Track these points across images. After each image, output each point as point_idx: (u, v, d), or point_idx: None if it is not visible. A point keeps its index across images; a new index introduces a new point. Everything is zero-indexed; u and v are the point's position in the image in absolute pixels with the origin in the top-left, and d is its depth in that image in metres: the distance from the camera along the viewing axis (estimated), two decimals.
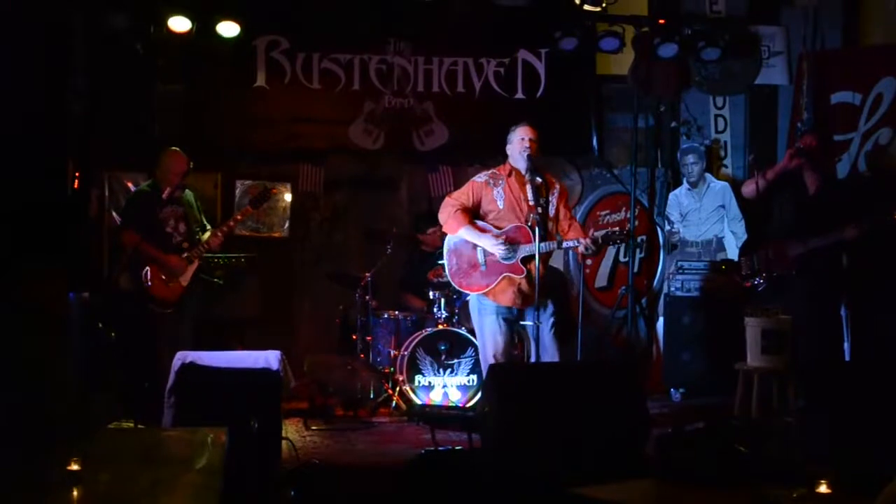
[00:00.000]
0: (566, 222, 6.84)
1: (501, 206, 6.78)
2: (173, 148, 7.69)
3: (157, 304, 7.51)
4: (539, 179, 6.70)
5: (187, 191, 7.83)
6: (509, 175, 6.83)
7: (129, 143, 8.59)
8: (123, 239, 7.78)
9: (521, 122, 6.90)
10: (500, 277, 6.70)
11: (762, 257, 7.53)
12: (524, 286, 6.70)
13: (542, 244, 6.50)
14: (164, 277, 7.50)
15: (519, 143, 6.78)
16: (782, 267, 7.39)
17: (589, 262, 9.48)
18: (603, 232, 6.68)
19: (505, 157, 6.93)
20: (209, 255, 7.74)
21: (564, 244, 6.72)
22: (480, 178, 6.90)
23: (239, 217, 7.79)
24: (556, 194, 6.85)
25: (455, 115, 9.34)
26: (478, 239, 6.73)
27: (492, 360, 6.78)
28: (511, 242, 6.67)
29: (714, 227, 9.21)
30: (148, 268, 7.49)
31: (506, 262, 6.69)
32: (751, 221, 9.03)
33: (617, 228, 6.72)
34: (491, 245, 6.68)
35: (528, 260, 6.66)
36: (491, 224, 6.79)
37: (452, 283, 7.00)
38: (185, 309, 7.60)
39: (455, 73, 9.37)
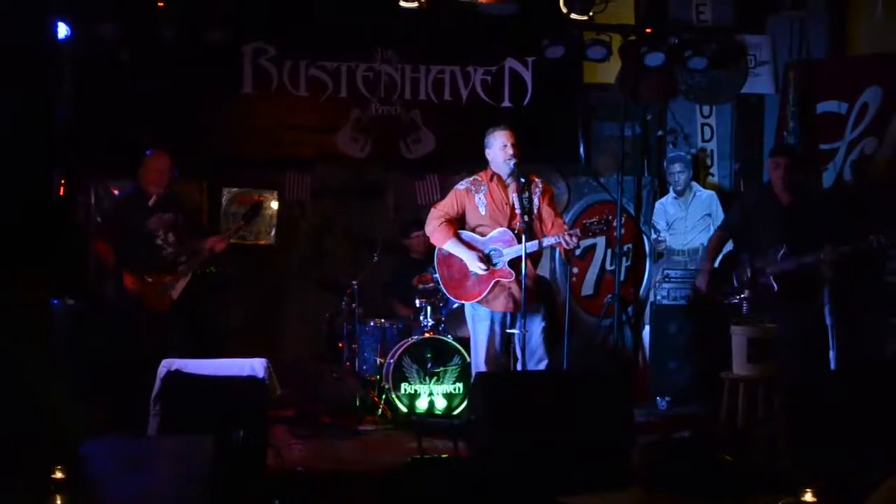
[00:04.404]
0: (550, 221, 6.85)
1: (484, 213, 6.83)
2: (156, 150, 7.69)
3: (145, 312, 7.48)
4: (522, 180, 6.71)
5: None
6: (491, 180, 6.86)
7: (116, 150, 8.56)
8: (96, 247, 7.78)
9: (499, 126, 6.92)
10: (492, 284, 6.73)
11: (741, 274, 7.57)
12: (514, 290, 6.73)
13: (528, 244, 6.51)
14: (159, 291, 7.48)
15: (502, 150, 6.79)
16: (761, 283, 7.43)
17: (576, 269, 9.47)
18: (582, 225, 6.72)
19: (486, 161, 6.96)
20: (207, 264, 7.73)
21: (545, 241, 6.72)
22: (462, 185, 6.95)
23: (232, 231, 7.78)
24: (537, 193, 6.86)
25: (442, 123, 9.34)
26: (461, 253, 6.77)
27: (484, 367, 6.80)
28: (494, 250, 6.72)
29: (700, 235, 9.20)
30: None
31: (495, 269, 6.72)
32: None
33: (595, 219, 6.70)
34: (471, 262, 6.72)
35: (516, 263, 6.68)
36: (475, 231, 6.83)
37: (447, 296, 7.07)
38: (174, 319, 7.58)
39: (442, 82, 9.37)
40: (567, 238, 6.59)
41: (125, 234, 7.62)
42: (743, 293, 7.46)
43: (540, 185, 6.94)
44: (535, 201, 6.82)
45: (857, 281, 8.00)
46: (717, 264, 8.06)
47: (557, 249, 8.11)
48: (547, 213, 6.87)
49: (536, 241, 6.67)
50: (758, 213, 7.77)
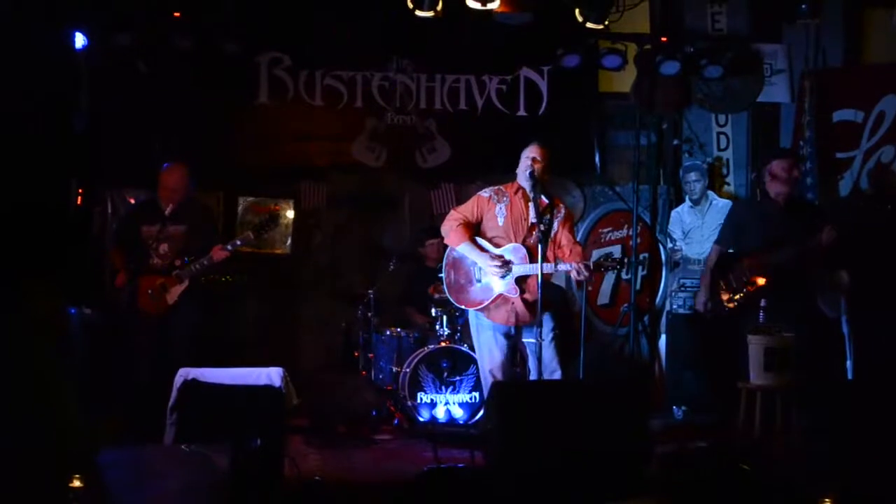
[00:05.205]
0: (567, 247, 6.84)
1: (501, 224, 6.82)
2: (173, 163, 7.69)
3: (142, 317, 7.47)
4: (545, 200, 6.71)
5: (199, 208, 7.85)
6: (515, 193, 6.86)
7: (133, 160, 8.60)
8: (111, 255, 7.77)
9: (533, 141, 6.91)
10: (495, 296, 6.74)
11: (738, 276, 7.52)
12: (519, 306, 6.73)
13: (538, 265, 6.50)
14: (150, 292, 7.48)
15: (524, 161, 6.80)
16: (761, 280, 7.38)
17: (590, 287, 9.44)
18: (594, 259, 6.72)
19: (513, 173, 6.95)
20: (208, 272, 7.69)
21: (560, 266, 6.72)
22: (485, 192, 6.95)
23: (238, 242, 7.66)
24: (559, 217, 6.86)
25: (457, 132, 9.35)
26: (475, 255, 6.76)
27: (489, 376, 6.81)
28: (506, 262, 6.71)
29: None
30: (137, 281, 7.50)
31: (500, 282, 6.72)
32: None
33: (610, 252, 6.73)
34: (486, 263, 6.71)
35: (522, 280, 6.70)
36: (490, 241, 6.82)
37: (449, 298, 7.04)
38: (173, 325, 7.52)
39: (457, 91, 9.38)
40: (579, 268, 6.58)
41: (129, 242, 7.65)
42: (742, 293, 7.42)
43: (563, 211, 6.94)
44: (555, 225, 6.82)
45: (874, 289, 7.98)
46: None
47: None
48: (567, 239, 6.87)
49: (552, 264, 6.66)
50: (752, 221, 7.72)
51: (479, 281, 6.81)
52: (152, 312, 7.47)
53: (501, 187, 6.94)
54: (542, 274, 6.47)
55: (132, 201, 8.70)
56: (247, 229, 7.88)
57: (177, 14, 8.36)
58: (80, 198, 8.42)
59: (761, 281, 7.30)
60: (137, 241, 7.59)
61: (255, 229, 7.76)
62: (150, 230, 7.57)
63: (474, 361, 7.81)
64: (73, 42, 8.15)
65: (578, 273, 6.60)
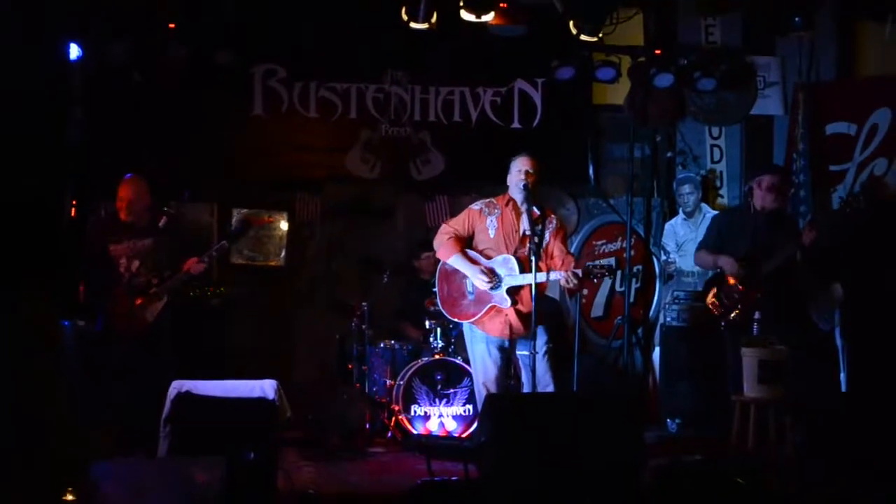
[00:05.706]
0: (559, 258, 6.84)
1: (492, 236, 6.83)
2: (133, 175, 7.54)
3: (120, 336, 7.30)
4: (536, 211, 6.72)
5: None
6: (507, 205, 6.87)
7: (127, 171, 8.56)
8: None
9: (522, 153, 6.92)
10: (487, 307, 6.74)
11: (729, 293, 7.51)
12: (512, 318, 6.73)
13: (529, 275, 6.50)
14: (126, 313, 7.30)
15: (516, 174, 6.81)
16: (754, 294, 7.38)
17: (585, 291, 9.43)
18: (584, 267, 6.70)
19: (506, 186, 6.95)
20: (186, 285, 7.62)
21: (552, 275, 6.71)
22: (476, 205, 6.96)
23: (213, 253, 7.55)
24: (551, 229, 6.87)
25: (452, 144, 9.36)
26: (465, 268, 6.78)
27: (483, 389, 6.81)
28: (495, 275, 6.71)
29: None
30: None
31: (492, 293, 6.72)
32: None
33: (601, 261, 6.73)
34: (474, 276, 6.72)
35: (514, 291, 6.70)
36: (481, 253, 6.82)
37: (443, 311, 7.04)
38: (155, 343, 7.34)
39: (452, 103, 9.39)
40: (568, 276, 6.58)
41: (92, 260, 7.44)
42: (737, 309, 7.43)
43: (554, 222, 6.94)
44: (547, 236, 6.82)
45: (867, 301, 8.00)
46: (701, 287, 8.05)
47: None
48: (559, 249, 6.87)
49: (545, 274, 6.66)
50: (735, 231, 7.72)
51: (472, 293, 6.82)
52: (131, 333, 7.27)
53: (493, 200, 6.96)
54: (536, 285, 6.48)
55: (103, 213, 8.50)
56: (234, 242, 7.82)
57: (171, 25, 8.36)
58: (73, 210, 8.38)
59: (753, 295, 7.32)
60: (104, 259, 7.38)
61: (229, 238, 7.72)
62: (117, 248, 7.37)
63: (468, 374, 7.81)
64: (68, 52, 8.13)
65: (567, 281, 6.60)
